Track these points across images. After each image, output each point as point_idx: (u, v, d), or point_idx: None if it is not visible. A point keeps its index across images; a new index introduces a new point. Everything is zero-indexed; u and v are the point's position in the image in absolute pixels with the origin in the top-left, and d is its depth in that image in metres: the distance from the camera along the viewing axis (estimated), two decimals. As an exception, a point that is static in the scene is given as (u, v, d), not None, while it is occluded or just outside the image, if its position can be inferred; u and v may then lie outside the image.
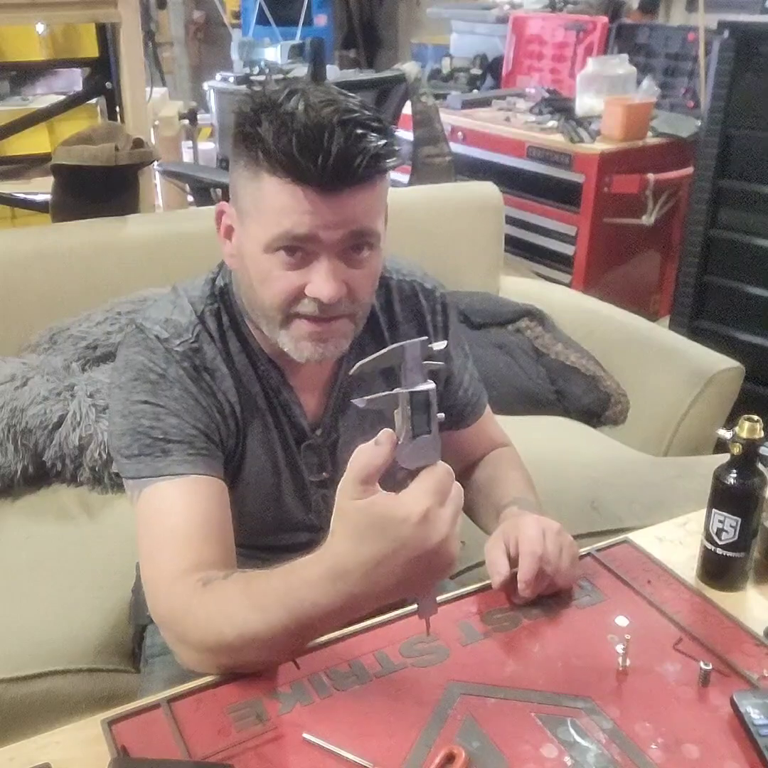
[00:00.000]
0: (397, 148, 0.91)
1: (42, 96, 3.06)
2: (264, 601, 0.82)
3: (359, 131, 0.86)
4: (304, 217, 0.87)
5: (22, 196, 2.55)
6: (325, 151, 0.84)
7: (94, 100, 2.55)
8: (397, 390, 0.74)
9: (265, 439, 1.04)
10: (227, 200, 0.97)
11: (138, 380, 0.96)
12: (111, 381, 1.01)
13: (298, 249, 0.90)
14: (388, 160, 0.89)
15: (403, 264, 1.13)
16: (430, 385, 0.74)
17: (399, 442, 0.74)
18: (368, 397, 0.75)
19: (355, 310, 0.96)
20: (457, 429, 1.18)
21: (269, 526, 1.08)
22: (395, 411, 0.75)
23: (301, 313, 0.93)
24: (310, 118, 0.85)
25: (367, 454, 0.75)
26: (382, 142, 0.88)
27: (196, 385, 0.97)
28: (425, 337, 0.75)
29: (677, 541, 1.11)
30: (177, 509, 0.93)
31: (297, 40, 4.40)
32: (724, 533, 1.00)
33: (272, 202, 0.88)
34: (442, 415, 0.76)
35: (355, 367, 0.77)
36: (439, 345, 0.76)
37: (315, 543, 1.11)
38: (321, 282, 0.90)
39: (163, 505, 0.93)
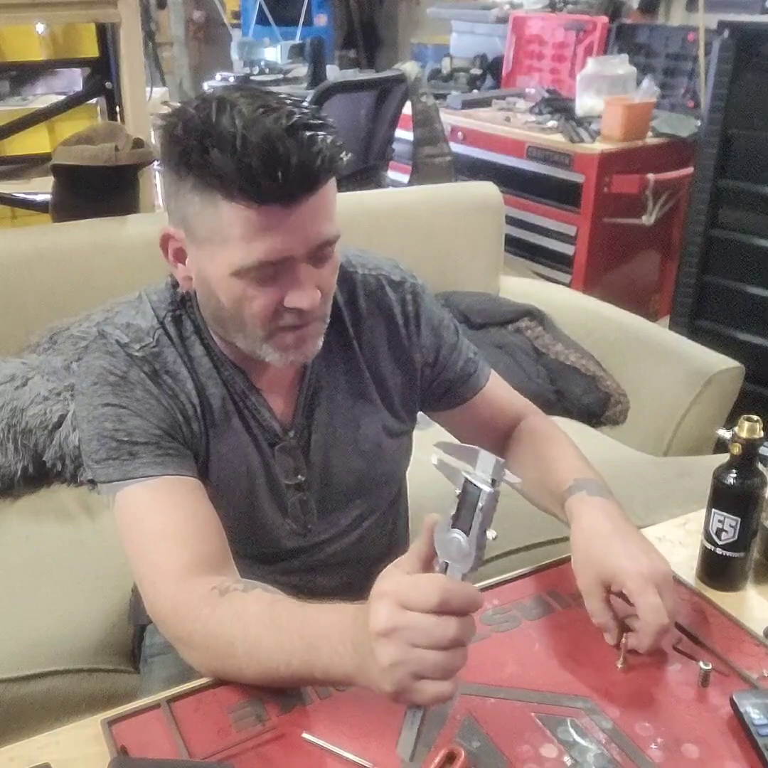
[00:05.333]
0: (341, 141, 0.87)
1: (42, 96, 3.06)
2: (282, 626, 0.81)
3: (308, 134, 0.82)
4: (274, 240, 0.85)
5: (22, 196, 2.55)
6: (283, 165, 0.81)
7: (94, 100, 2.55)
8: (463, 473, 0.69)
9: (236, 443, 1.03)
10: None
11: (98, 384, 0.96)
12: (75, 388, 1.01)
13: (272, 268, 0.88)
14: (342, 157, 0.86)
15: (370, 258, 1.10)
16: (488, 489, 0.68)
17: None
18: (439, 458, 0.72)
19: (326, 308, 0.96)
20: (458, 406, 1.14)
21: (247, 532, 1.06)
22: (456, 492, 0.70)
23: (284, 325, 0.92)
24: (258, 133, 0.81)
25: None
26: (330, 139, 0.84)
27: (158, 387, 0.97)
28: (504, 460, 0.70)
29: (677, 541, 1.11)
30: (158, 510, 0.92)
31: (297, 40, 4.41)
32: (723, 533, 1.00)
33: (237, 231, 0.85)
34: (494, 533, 0.69)
35: (436, 444, 0.74)
36: (513, 479, 0.72)
37: (302, 551, 1.12)
38: (300, 293, 0.89)
39: (141, 507, 0.93)
